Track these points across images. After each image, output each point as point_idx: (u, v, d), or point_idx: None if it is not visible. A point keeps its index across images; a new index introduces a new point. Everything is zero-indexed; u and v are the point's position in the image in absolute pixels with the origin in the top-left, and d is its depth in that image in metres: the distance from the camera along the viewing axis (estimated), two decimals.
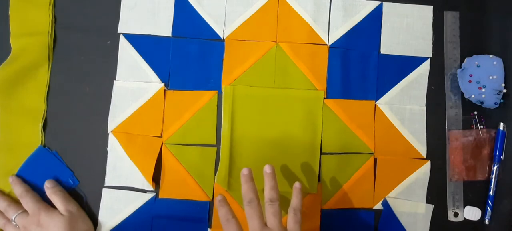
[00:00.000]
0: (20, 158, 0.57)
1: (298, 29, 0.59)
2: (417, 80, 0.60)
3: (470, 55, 0.59)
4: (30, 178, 0.56)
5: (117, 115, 0.58)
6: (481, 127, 0.59)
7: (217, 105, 0.58)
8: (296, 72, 0.59)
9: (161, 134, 0.58)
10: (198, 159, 0.57)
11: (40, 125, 0.57)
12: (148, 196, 0.57)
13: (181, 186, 0.57)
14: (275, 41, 0.59)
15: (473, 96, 0.58)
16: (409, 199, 0.58)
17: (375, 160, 0.58)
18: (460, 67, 0.59)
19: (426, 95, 0.60)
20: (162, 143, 0.58)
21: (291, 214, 0.48)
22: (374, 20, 0.60)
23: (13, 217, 0.54)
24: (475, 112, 0.59)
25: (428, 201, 0.58)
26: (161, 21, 0.59)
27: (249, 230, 0.48)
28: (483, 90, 0.57)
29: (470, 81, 0.58)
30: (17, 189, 0.55)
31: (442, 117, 0.60)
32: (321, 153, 0.58)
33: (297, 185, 0.51)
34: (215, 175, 0.57)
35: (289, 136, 0.58)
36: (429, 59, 0.60)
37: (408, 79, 0.60)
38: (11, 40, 0.58)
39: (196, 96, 0.58)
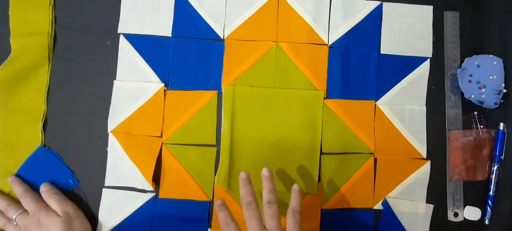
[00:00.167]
0: (20, 158, 0.57)
1: (298, 29, 0.59)
2: (417, 80, 0.60)
3: (470, 55, 0.59)
4: (30, 178, 0.56)
5: (117, 115, 0.58)
6: (481, 127, 0.59)
7: (217, 105, 0.58)
8: (296, 72, 0.59)
9: (161, 134, 0.58)
10: (198, 159, 0.57)
11: (40, 125, 0.57)
12: (148, 196, 0.57)
13: (181, 186, 0.57)
14: (275, 41, 0.59)
15: (473, 96, 0.58)
16: (409, 199, 0.58)
17: (375, 160, 0.58)
18: (460, 67, 0.59)
19: (426, 95, 0.60)
20: (162, 143, 0.58)
21: (290, 215, 0.48)
22: (374, 20, 0.60)
23: (14, 217, 0.54)
24: (475, 112, 0.59)
25: (428, 201, 0.58)
26: (161, 21, 0.59)
27: None
28: (483, 90, 0.57)
29: (470, 81, 0.58)
30: (17, 189, 0.55)
31: (442, 117, 0.60)
32: (321, 153, 0.58)
33: (295, 186, 0.51)
34: (215, 175, 0.57)
35: (289, 136, 0.58)
36: (429, 59, 0.60)
37: (408, 79, 0.60)
38: (11, 40, 0.58)
39: (196, 96, 0.58)
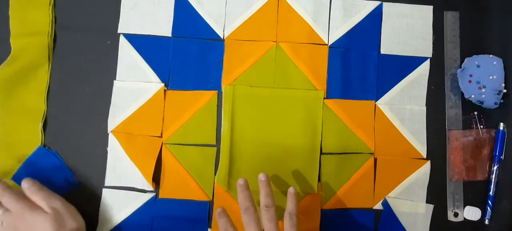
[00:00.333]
0: (20, 158, 0.57)
1: (298, 29, 0.59)
2: (417, 80, 0.60)
3: (470, 55, 0.59)
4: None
5: (117, 115, 0.58)
6: (481, 127, 0.59)
7: (217, 105, 0.58)
8: (296, 72, 0.59)
9: (161, 134, 0.58)
10: (198, 159, 0.57)
11: (40, 125, 0.57)
12: (148, 196, 0.57)
13: (181, 186, 0.57)
14: (275, 41, 0.59)
15: (473, 96, 0.58)
16: (409, 199, 0.58)
17: (375, 160, 0.58)
18: (460, 67, 0.59)
19: (426, 95, 0.60)
20: (162, 143, 0.58)
21: (287, 218, 0.49)
22: (374, 20, 0.60)
23: None
24: (475, 113, 0.59)
25: (428, 201, 0.58)
26: (161, 21, 0.59)
27: None
28: (483, 90, 0.57)
29: (470, 81, 0.58)
30: None
31: (442, 117, 0.60)
32: (321, 153, 0.58)
33: (291, 190, 0.52)
34: (215, 175, 0.57)
35: (289, 136, 0.58)
36: (429, 59, 0.60)
37: (408, 79, 0.60)
38: (11, 40, 0.58)
39: (196, 96, 0.58)
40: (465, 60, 0.59)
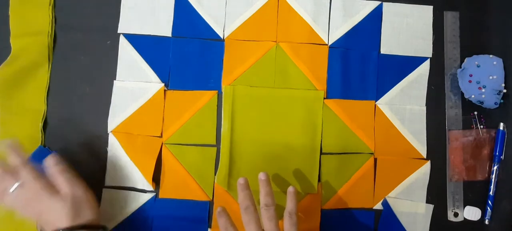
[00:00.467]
0: None
1: (298, 29, 0.59)
2: (417, 80, 0.60)
3: (470, 55, 0.59)
4: None
5: (117, 115, 0.58)
6: (481, 127, 0.59)
7: (217, 105, 0.58)
8: (296, 72, 0.59)
9: (161, 134, 0.58)
10: (198, 159, 0.57)
11: (40, 125, 0.57)
12: (148, 196, 0.57)
13: (181, 186, 0.57)
14: (275, 41, 0.59)
15: (473, 96, 0.58)
16: (409, 199, 0.58)
17: (375, 160, 0.58)
18: (460, 67, 0.59)
19: (426, 95, 0.60)
20: (162, 143, 0.58)
21: (287, 217, 0.49)
22: (374, 20, 0.60)
23: (11, 189, 0.47)
24: (475, 112, 0.59)
25: (428, 201, 0.58)
26: (161, 21, 0.59)
27: None
28: (483, 90, 0.57)
29: (470, 81, 0.58)
30: (13, 158, 0.48)
31: (442, 117, 0.60)
32: (321, 153, 0.58)
33: (291, 189, 0.51)
34: (215, 175, 0.57)
35: (289, 136, 0.58)
36: (429, 59, 0.60)
37: (408, 79, 0.60)
38: (11, 40, 0.58)
39: (196, 96, 0.58)
40: (465, 60, 0.59)
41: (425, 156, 0.59)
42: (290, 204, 0.50)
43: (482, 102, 0.58)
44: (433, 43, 0.60)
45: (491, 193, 0.58)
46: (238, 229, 0.49)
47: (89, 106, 0.58)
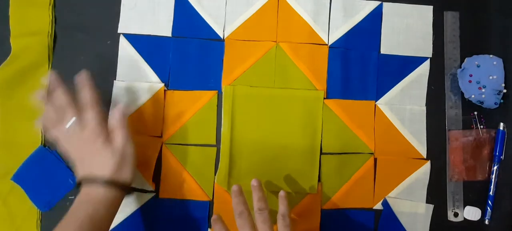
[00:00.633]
0: (20, 158, 0.57)
1: (298, 29, 0.59)
2: (417, 80, 0.60)
3: (470, 55, 0.59)
4: (30, 178, 0.56)
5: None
6: (481, 127, 0.59)
7: (217, 105, 0.58)
8: (296, 72, 0.59)
9: (161, 134, 0.58)
10: (198, 159, 0.57)
11: None
12: (148, 196, 0.57)
13: (181, 186, 0.57)
14: (275, 41, 0.59)
15: (473, 96, 0.58)
16: (409, 199, 0.58)
17: (375, 160, 0.58)
18: (460, 67, 0.59)
19: (426, 95, 0.60)
20: (162, 143, 0.58)
21: (280, 219, 0.50)
22: (374, 20, 0.60)
23: (69, 123, 0.48)
24: (475, 112, 0.59)
25: (428, 201, 0.58)
26: (161, 21, 0.59)
27: None
28: (483, 90, 0.57)
29: (470, 81, 0.58)
30: (86, 95, 0.49)
31: (442, 117, 0.60)
32: (321, 153, 0.58)
33: (281, 193, 0.52)
34: (215, 175, 0.57)
35: (289, 136, 0.58)
36: (429, 59, 0.60)
37: (408, 79, 0.60)
38: (11, 40, 0.58)
39: (196, 96, 0.58)
40: (465, 60, 0.59)
41: (425, 156, 0.59)
42: (282, 206, 0.51)
43: (482, 102, 0.58)
44: (433, 43, 0.60)
45: (491, 193, 0.58)
46: None
47: None
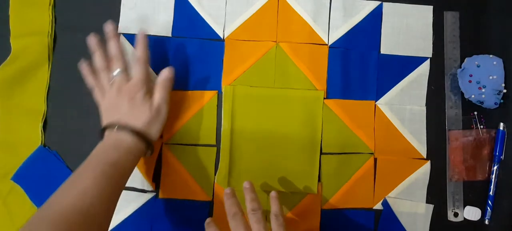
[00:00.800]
0: (20, 158, 0.57)
1: (298, 29, 0.59)
2: (417, 80, 0.60)
3: (470, 55, 0.59)
4: (30, 178, 0.56)
5: None
6: (481, 127, 0.59)
7: (217, 105, 0.58)
8: (296, 72, 0.59)
9: (161, 134, 0.58)
10: (198, 159, 0.57)
11: (40, 125, 0.57)
12: (148, 196, 0.57)
13: (181, 186, 0.57)
14: (275, 41, 0.59)
15: (473, 96, 0.58)
16: (409, 199, 0.58)
17: (375, 160, 0.58)
18: (460, 67, 0.59)
19: (426, 95, 0.60)
20: (162, 143, 0.58)
21: (274, 219, 0.50)
22: (374, 20, 0.60)
23: (115, 72, 0.51)
24: (475, 113, 0.59)
25: (428, 201, 0.58)
26: (161, 21, 0.59)
27: None
28: (483, 90, 0.57)
29: (470, 81, 0.58)
30: (140, 51, 0.52)
31: (442, 117, 0.60)
32: (321, 153, 0.58)
33: (273, 193, 0.52)
34: (215, 175, 0.57)
35: (289, 136, 0.58)
36: (429, 59, 0.60)
37: (408, 79, 0.60)
38: (11, 40, 0.58)
39: (196, 96, 0.58)
40: (465, 60, 0.59)
41: (425, 156, 0.59)
42: (274, 206, 0.51)
43: (482, 102, 0.58)
44: (433, 43, 0.60)
45: (491, 193, 0.58)
46: None
47: (89, 106, 0.58)
